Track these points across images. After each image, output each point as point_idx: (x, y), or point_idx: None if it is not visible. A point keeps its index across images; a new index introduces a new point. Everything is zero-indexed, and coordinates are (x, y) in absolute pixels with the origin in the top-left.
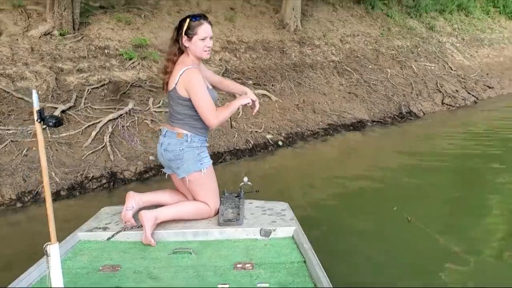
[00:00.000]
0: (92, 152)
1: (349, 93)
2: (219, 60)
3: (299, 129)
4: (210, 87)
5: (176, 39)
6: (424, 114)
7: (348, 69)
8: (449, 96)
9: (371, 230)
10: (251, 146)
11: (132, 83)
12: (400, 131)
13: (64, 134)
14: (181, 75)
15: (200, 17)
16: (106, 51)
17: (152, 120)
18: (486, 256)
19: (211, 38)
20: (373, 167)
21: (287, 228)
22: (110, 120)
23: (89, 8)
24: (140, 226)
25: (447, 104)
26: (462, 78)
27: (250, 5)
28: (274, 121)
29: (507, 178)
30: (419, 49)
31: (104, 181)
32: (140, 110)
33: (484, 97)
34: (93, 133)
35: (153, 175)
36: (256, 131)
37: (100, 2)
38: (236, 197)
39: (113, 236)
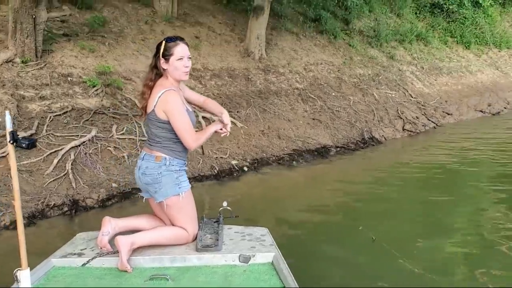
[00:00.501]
0: (53, 180)
1: (313, 119)
2: None
3: (264, 154)
4: (190, 109)
5: (154, 65)
6: (386, 140)
7: (312, 96)
8: (410, 123)
9: (343, 253)
10: (216, 172)
11: (96, 110)
12: (363, 157)
13: (25, 162)
14: (159, 97)
15: (176, 38)
16: (69, 78)
17: (115, 147)
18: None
19: (189, 58)
20: (339, 191)
21: (266, 254)
22: (72, 147)
23: (52, 36)
24: (116, 252)
25: (407, 130)
26: (422, 105)
27: (215, 34)
28: (240, 147)
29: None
30: (380, 77)
31: (65, 209)
32: (103, 137)
33: (444, 123)
34: (55, 161)
35: (116, 202)
36: (221, 157)
37: (63, 29)
38: (215, 222)
39: (88, 262)
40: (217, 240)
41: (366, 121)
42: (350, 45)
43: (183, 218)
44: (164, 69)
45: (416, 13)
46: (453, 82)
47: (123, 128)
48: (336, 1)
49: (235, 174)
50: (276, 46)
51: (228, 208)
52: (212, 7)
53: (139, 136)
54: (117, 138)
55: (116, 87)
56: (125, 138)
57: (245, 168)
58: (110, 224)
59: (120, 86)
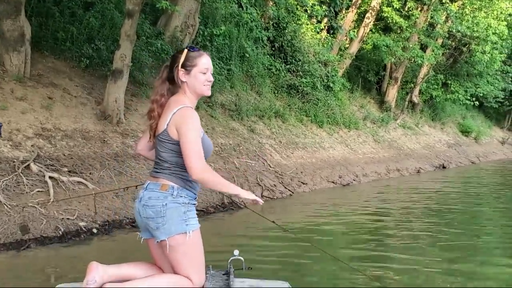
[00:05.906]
0: None
1: None
2: (31, 146)
3: (117, 217)
4: (207, 138)
5: (167, 77)
6: (245, 204)
7: None
8: (268, 189)
9: None
10: (60, 233)
11: None
12: (222, 220)
13: None
14: (174, 113)
15: (200, 48)
16: None
17: None
18: None
19: (212, 73)
20: None
21: None
22: None
23: None
24: None
25: (266, 196)
26: (280, 175)
27: (70, 96)
28: (90, 209)
29: None
30: (241, 147)
31: None
32: None
33: (299, 191)
34: None
35: None
36: (68, 218)
37: None
38: (223, 274)
39: None
40: None
41: None
42: (212, 116)
43: (188, 264)
44: (182, 82)
45: (274, 93)
46: (308, 156)
47: None
48: None
49: (82, 236)
50: (136, 112)
51: (240, 258)
52: (69, 70)
53: None
54: None
55: None
56: None
57: (95, 230)
58: (97, 271)
59: None
